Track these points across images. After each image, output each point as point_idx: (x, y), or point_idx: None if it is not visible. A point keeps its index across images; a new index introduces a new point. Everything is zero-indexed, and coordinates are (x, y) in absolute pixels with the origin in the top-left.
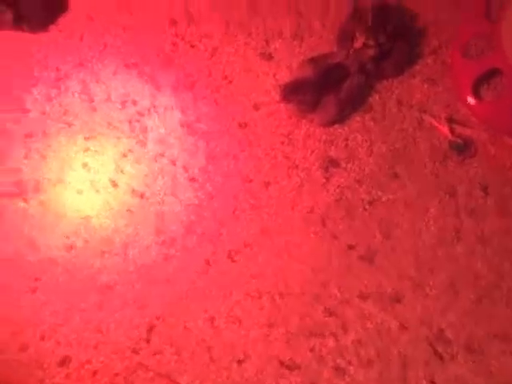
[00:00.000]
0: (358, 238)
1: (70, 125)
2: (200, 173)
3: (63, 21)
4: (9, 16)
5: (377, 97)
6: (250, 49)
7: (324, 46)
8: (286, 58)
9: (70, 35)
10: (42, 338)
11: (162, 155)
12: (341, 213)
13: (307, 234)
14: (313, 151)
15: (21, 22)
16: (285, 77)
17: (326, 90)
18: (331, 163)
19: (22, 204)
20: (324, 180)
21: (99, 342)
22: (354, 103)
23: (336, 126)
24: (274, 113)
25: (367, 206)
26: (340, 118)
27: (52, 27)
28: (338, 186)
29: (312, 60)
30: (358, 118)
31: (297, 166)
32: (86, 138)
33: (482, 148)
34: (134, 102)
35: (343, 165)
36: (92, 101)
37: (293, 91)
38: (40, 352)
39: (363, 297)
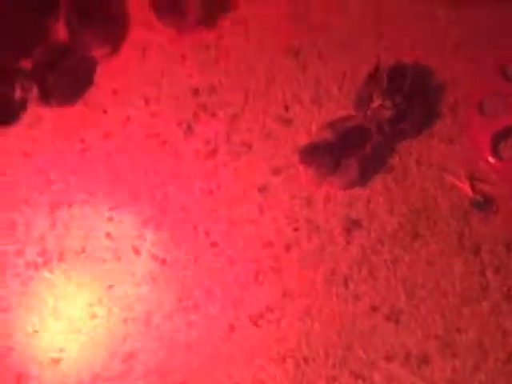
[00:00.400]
0: (382, 299)
1: (93, 195)
2: (221, 238)
3: (88, 94)
4: (35, 92)
5: (397, 157)
6: (269, 115)
7: (342, 110)
8: (305, 122)
9: (94, 108)
10: None
11: (184, 221)
12: (363, 273)
13: (330, 296)
14: (334, 213)
15: (48, 97)
16: (304, 141)
17: (345, 152)
18: (353, 224)
19: (46, 274)
20: (345, 241)
21: None
22: (373, 165)
23: (357, 187)
24: (294, 177)
25: (390, 266)
26: (360, 181)
27: (77, 101)
28: (361, 247)
29: (330, 123)
30: (378, 180)
31: (318, 229)
32: (110, 208)
33: (504, 205)
34: (156, 172)
35: (365, 225)
36: (115, 172)
37: (312, 154)
38: None
39: (389, 358)
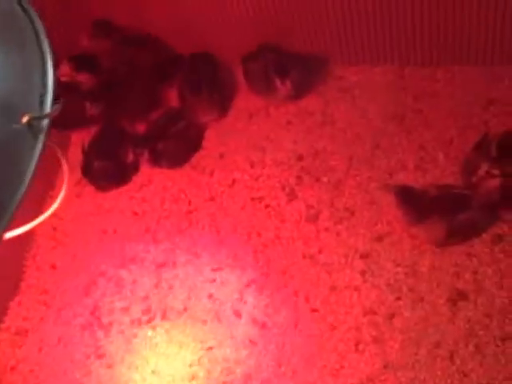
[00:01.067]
0: (491, 377)
1: (198, 256)
2: (322, 304)
3: (196, 158)
4: (147, 155)
5: (505, 227)
6: (373, 181)
7: (448, 177)
8: None
9: (201, 171)
10: None
11: (285, 286)
12: (470, 349)
13: (434, 370)
14: (439, 283)
15: (159, 160)
16: None
17: (440, 211)
18: (459, 296)
19: (149, 332)
20: (451, 313)
21: None
22: (465, 235)
23: (463, 257)
24: (398, 244)
25: (499, 343)
26: (446, 242)
27: (186, 164)
28: (468, 321)
29: (435, 185)
30: (486, 250)
31: (422, 299)
32: (213, 269)
33: None
34: (259, 234)
35: (472, 298)
36: (219, 233)
37: (405, 195)
38: None
39: None
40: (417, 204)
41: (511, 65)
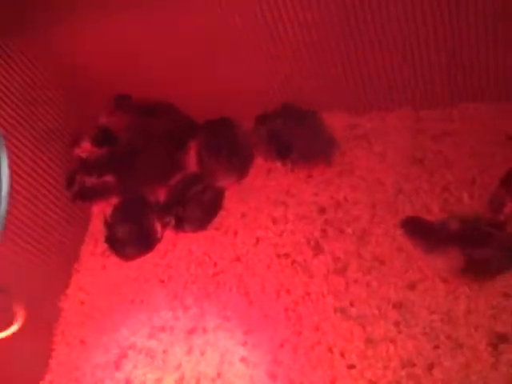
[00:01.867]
0: None
1: (228, 319)
2: (358, 359)
3: (218, 219)
4: (171, 221)
5: None
6: (400, 228)
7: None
8: None
9: (225, 232)
10: None
11: (319, 343)
12: None
13: None
14: (477, 327)
15: (182, 224)
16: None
17: (460, 244)
18: (499, 339)
19: None
20: (493, 359)
21: None
22: (484, 272)
23: (500, 298)
24: (431, 290)
25: None
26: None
27: (209, 226)
28: (511, 364)
29: (459, 218)
30: None
31: (461, 345)
32: (244, 332)
33: None
34: (288, 291)
35: None
36: (248, 294)
37: (415, 225)
38: None
39: None
40: (428, 234)
41: None
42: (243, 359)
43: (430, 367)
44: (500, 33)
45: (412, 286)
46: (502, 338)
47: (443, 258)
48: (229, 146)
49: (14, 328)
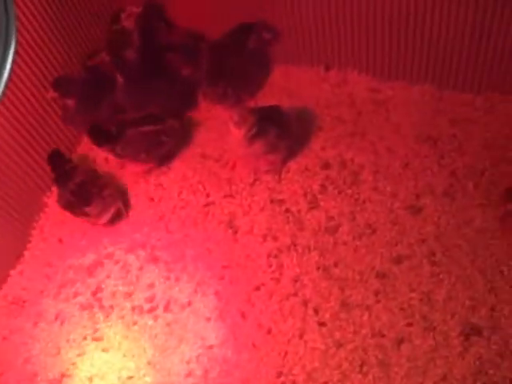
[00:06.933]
0: None
1: (209, 251)
2: (331, 318)
3: (219, 152)
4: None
5: None
6: (398, 201)
7: (476, 208)
8: (435, 214)
9: (224, 165)
10: None
11: (295, 295)
12: None
13: None
14: (453, 315)
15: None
16: (430, 232)
17: None
18: (473, 331)
19: (150, 322)
20: (462, 348)
21: None
22: None
23: (482, 291)
24: (416, 268)
25: None
26: None
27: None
28: (479, 358)
29: None
30: (506, 288)
31: (434, 328)
32: (223, 267)
33: None
34: (275, 238)
35: (486, 334)
36: (235, 231)
37: None
38: None
39: None
40: None
41: None
42: (217, 293)
43: (400, 342)
44: None
45: (398, 260)
46: (475, 329)
47: None
48: None
49: None
